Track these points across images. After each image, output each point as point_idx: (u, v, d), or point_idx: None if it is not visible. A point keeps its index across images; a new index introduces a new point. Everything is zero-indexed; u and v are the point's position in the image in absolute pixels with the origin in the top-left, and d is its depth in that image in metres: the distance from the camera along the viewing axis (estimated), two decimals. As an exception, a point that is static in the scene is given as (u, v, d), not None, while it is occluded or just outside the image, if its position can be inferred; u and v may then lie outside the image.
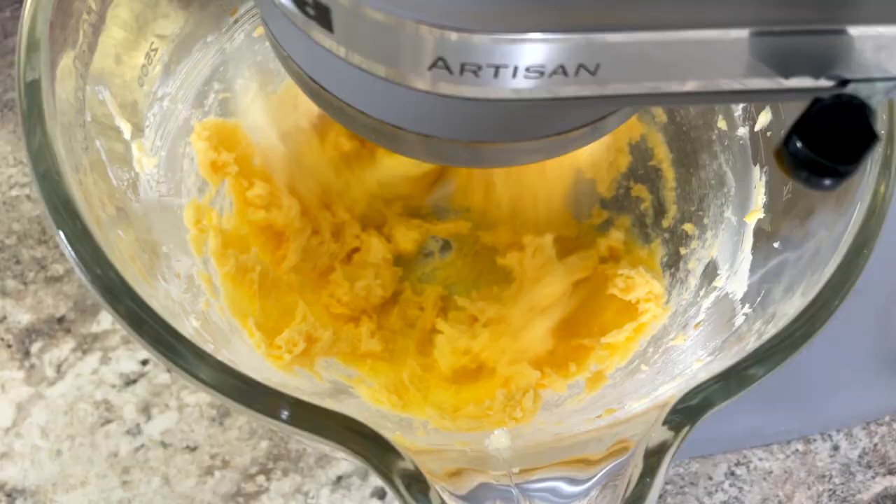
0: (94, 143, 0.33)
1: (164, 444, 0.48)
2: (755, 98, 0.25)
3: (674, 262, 0.44)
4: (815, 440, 0.50)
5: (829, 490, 0.50)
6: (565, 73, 0.21)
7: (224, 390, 0.27)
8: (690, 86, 0.23)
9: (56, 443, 0.47)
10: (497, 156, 0.26)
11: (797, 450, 0.50)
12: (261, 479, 0.48)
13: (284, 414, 0.26)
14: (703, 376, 0.28)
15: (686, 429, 0.27)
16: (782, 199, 0.36)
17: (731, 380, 0.27)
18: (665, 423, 0.27)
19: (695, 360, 0.34)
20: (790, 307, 0.30)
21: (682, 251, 0.43)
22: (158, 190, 0.38)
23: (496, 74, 0.21)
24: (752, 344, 0.30)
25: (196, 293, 0.38)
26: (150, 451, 0.48)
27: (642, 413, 0.30)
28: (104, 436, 0.48)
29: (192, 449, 0.48)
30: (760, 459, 0.50)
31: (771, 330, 0.29)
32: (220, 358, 0.34)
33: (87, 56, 0.33)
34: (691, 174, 0.44)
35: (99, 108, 0.34)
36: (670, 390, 0.32)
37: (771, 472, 0.50)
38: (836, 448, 0.50)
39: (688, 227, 0.44)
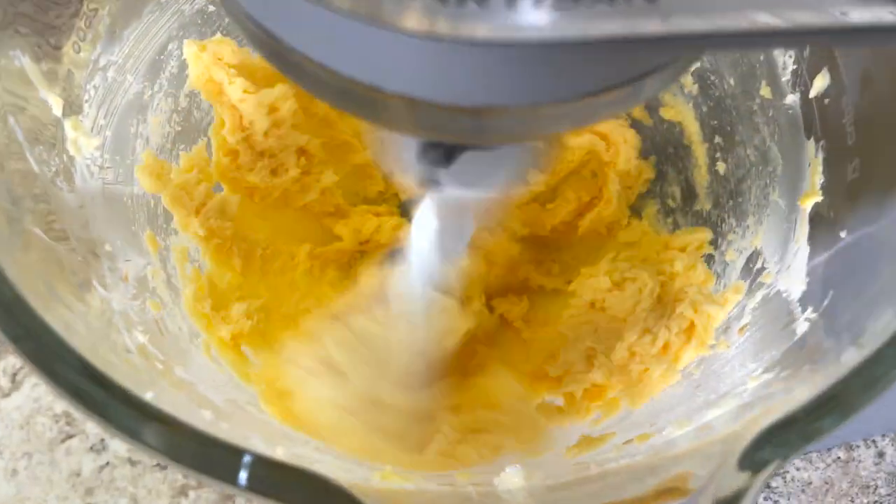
0: (7, 122, 0.25)
1: (131, 462, 0.41)
2: (859, 40, 0.17)
3: (707, 254, 0.36)
4: (857, 447, 0.44)
5: (875, 502, 0.43)
6: (610, -1, 0.14)
7: (169, 451, 0.20)
8: (779, 19, 0.15)
9: (11, 461, 0.41)
10: (508, 126, 0.19)
11: (838, 458, 0.43)
12: (241, 500, 0.41)
13: (242, 476, 0.19)
14: (777, 407, 0.21)
15: (769, 469, 0.20)
16: (846, 178, 0.29)
17: (789, 431, 0.20)
18: (741, 464, 0.20)
19: (749, 378, 0.27)
20: (876, 319, 0.23)
21: (718, 241, 0.36)
22: (102, 177, 0.31)
23: (510, 3, 0.14)
24: (830, 366, 0.22)
25: (148, 298, 0.31)
26: (116, 469, 0.41)
27: (697, 447, 0.23)
28: (65, 453, 0.41)
29: (164, 467, 0.41)
30: (798, 469, 0.43)
31: (852, 353, 0.22)
32: (173, 378, 0.27)
33: (-6, 12, 0.25)
34: (727, 152, 0.36)
35: (15, 78, 0.26)
36: (724, 418, 0.25)
37: (810, 483, 0.43)
38: (881, 455, 0.44)
39: (723, 212, 0.36)
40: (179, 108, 0.36)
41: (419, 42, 0.16)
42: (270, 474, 0.19)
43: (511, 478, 0.26)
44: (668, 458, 0.24)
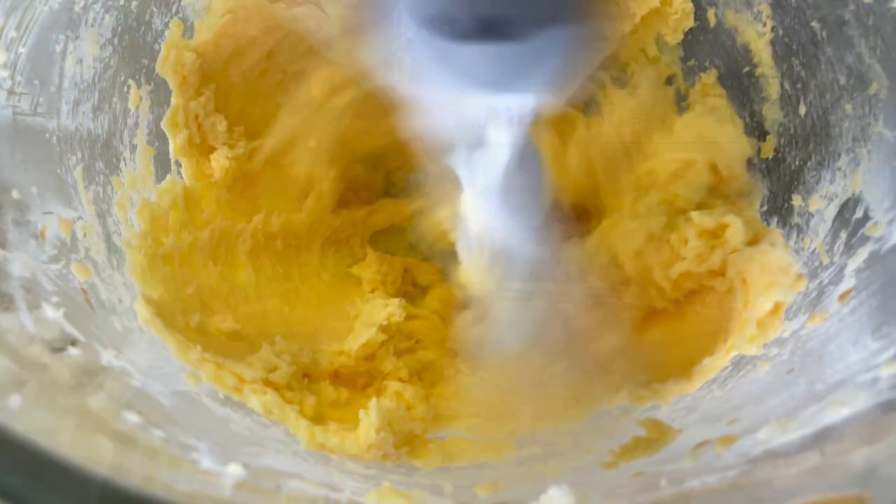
0: None
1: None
2: None
3: (781, 204, 0.29)
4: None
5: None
6: None
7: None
8: None
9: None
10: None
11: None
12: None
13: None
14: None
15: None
16: None
17: None
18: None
19: (882, 364, 0.19)
20: None
21: (794, 188, 0.28)
22: (13, 105, 0.23)
23: None
24: None
25: (74, 261, 0.23)
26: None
27: (829, 465, 0.15)
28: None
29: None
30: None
31: None
32: (93, 368, 0.19)
33: None
34: (808, 77, 0.28)
35: None
36: (861, 421, 0.17)
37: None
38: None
39: (802, 153, 0.28)
40: (126, 26, 0.27)
41: None
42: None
43: (555, 502, 0.18)
44: (777, 480, 0.17)
